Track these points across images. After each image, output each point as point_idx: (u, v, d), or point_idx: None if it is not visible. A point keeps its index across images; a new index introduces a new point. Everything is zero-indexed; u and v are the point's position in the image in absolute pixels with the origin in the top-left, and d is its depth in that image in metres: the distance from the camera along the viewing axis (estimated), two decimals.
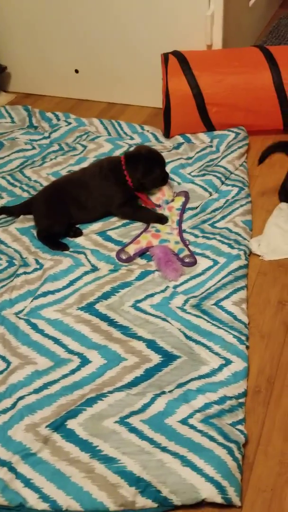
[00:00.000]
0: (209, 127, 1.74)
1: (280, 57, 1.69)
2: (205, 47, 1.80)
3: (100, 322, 1.13)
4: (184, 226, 1.41)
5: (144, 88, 1.95)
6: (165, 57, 1.72)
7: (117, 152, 1.70)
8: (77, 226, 1.41)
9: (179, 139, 1.75)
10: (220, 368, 1.04)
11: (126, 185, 1.39)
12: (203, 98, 1.67)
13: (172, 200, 1.47)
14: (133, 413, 0.94)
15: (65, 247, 1.33)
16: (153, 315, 1.15)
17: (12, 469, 0.88)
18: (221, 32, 1.76)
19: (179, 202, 1.47)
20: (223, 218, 1.42)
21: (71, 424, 0.93)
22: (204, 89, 1.66)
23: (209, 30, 1.75)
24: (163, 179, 1.46)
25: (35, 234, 1.39)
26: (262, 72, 1.67)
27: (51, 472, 0.87)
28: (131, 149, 1.47)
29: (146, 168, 1.38)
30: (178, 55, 1.71)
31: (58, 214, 1.38)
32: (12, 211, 1.46)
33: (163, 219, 1.39)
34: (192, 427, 0.92)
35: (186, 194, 1.50)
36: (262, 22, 2.52)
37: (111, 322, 1.13)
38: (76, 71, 2.04)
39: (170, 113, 1.71)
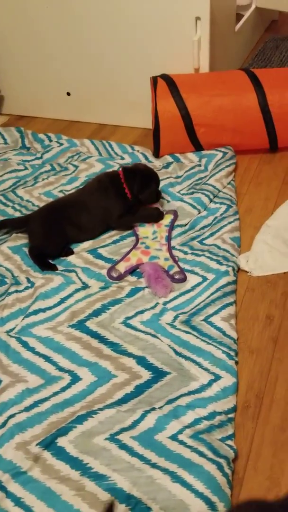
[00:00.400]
0: (198, 147, 1.78)
1: (265, 80, 1.75)
2: (192, 70, 1.85)
3: (90, 339, 1.14)
4: (174, 243, 1.43)
5: (134, 109, 1.99)
6: (154, 80, 1.77)
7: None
8: (69, 246, 1.43)
9: (169, 158, 1.79)
10: (210, 383, 1.05)
11: (125, 197, 1.43)
12: (191, 119, 1.71)
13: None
14: (123, 430, 0.95)
15: (54, 268, 1.35)
16: (143, 331, 1.16)
17: (2, 488, 0.88)
18: (208, 56, 1.81)
19: (167, 219, 1.50)
20: (211, 235, 1.45)
21: (61, 441, 0.94)
22: (192, 110, 1.70)
23: (196, 54, 1.80)
24: (157, 195, 1.50)
25: (27, 252, 1.41)
26: (247, 94, 1.71)
27: (41, 491, 0.87)
28: (128, 165, 1.52)
29: (143, 183, 1.43)
30: (166, 78, 1.76)
31: (54, 236, 1.40)
32: (7, 224, 1.48)
33: (162, 214, 1.49)
34: (181, 442, 0.93)
35: (174, 213, 1.53)
36: (249, 45, 2.59)
37: (102, 339, 1.14)
38: (68, 93, 2.08)
39: (159, 133, 1.75)
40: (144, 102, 1.88)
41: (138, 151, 1.85)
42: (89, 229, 1.45)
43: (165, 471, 0.89)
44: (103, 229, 1.47)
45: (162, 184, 1.63)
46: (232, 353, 1.11)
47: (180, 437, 0.94)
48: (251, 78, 1.75)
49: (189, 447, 0.92)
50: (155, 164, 1.77)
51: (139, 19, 1.80)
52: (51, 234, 1.40)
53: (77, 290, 1.26)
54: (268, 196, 1.64)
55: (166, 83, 1.74)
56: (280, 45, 2.65)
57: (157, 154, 1.80)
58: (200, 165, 1.74)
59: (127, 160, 1.79)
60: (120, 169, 1.48)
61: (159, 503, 0.85)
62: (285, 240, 1.44)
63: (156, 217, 1.47)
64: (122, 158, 1.80)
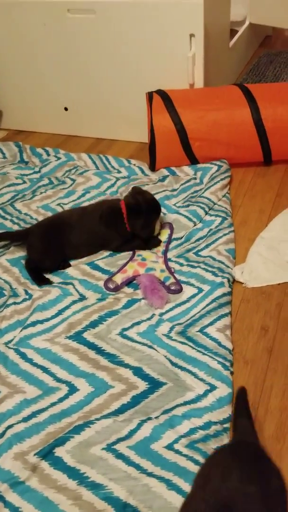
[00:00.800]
0: (193, 160, 1.81)
1: (258, 94, 1.78)
2: (187, 86, 1.89)
3: (87, 351, 1.16)
4: (169, 255, 1.45)
5: (130, 124, 2.03)
6: (150, 96, 1.81)
7: (105, 185, 1.77)
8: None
9: (164, 172, 1.82)
10: (205, 394, 1.06)
11: (125, 230, 1.44)
12: (186, 133, 1.75)
13: (159, 234, 1.52)
14: (120, 440, 0.96)
15: (48, 282, 1.37)
16: (139, 342, 1.18)
17: (0, 497, 0.89)
18: (202, 72, 1.85)
19: (165, 234, 1.52)
20: (207, 246, 1.47)
21: (59, 451, 0.95)
22: (187, 125, 1.74)
23: (191, 70, 1.84)
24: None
25: (24, 264, 1.43)
26: (241, 109, 1.75)
27: (39, 500, 0.88)
28: (131, 193, 1.49)
29: (146, 223, 1.44)
30: (162, 93, 1.80)
31: (52, 252, 1.42)
32: (6, 237, 1.50)
33: (160, 242, 1.48)
34: (177, 451, 0.94)
35: (170, 226, 1.55)
36: (243, 61, 2.65)
37: (99, 350, 1.16)
38: (66, 108, 2.12)
39: (155, 147, 1.78)
40: (140, 116, 1.92)
41: (134, 164, 1.88)
42: (86, 251, 1.46)
43: (161, 479, 0.90)
44: (101, 249, 1.47)
45: (158, 197, 1.66)
46: (228, 364, 1.13)
47: (176, 446, 0.95)
48: (244, 93, 1.79)
49: (185, 455, 0.93)
50: (151, 177, 1.80)
51: (134, 36, 1.85)
52: (49, 250, 1.42)
53: (74, 302, 1.28)
54: (262, 208, 1.67)
55: (162, 99, 1.78)
56: (274, 60, 2.71)
57: (153, 167, 1.84)
58: (195, 178, 1.77)
59: (124, 173, 1.83)
60: (122, 201, 1.46)
61: (155, 511, 0.86)
62: (279, 252, 1.47)
63: (154, 246, 1.48)
64: (119, 172, 1.84)
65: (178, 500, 0.87)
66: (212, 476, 0.76)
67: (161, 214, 1.60)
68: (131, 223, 1.43)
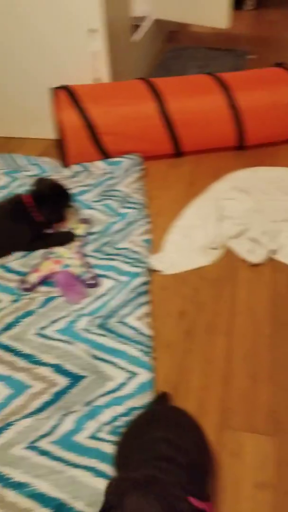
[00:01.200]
0: (105, 155, 1.82)
1: (164, 88, 1.83)
2: (93, 81, 1.90)
3: (3, 354, 1.13)
4: (86, 249, 1.46)
5: (39, 121, 2.00)
6: (55, 92, 1.80)
7: (15, 185, 1.73)
8: None
9: (77, 168, 1.81)
10: (126, 381, 1.08)
11: (35, 223, 1.42)
12: (95, 128, 1.75)
13: (73, 229, 1.51)
14: (42, 437, 0.96)
15: None
16: (58, 340, 1.17)
17: None
18: (107, 67, 1.87)
19: (81, 229, 1.52)
20: (123, 239, 1.49)
21: None
22: (95, 119, 1.74)
23: (95, 65, 1.85)
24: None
25: None
26: (147, 103, 1.79)
27: None
28: (33, 184, 1.48)
29: (53, 207, 1.43)
30: (67, 89, 1.79)
31: None
32: None
33: (73, 235, 1.47)
34: (100, 439, 0.95)
35: (87, 221, 1.55)
36: (149, 56, 2.70)
37: (15, 352, 1.14)
38: None
39: (65, 144, 1.77)
40: (49, 113, 1.89)
41: (46, 162, 1.85)
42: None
43: (86, 468, 0.91)
44: (14, 250, 1.44)
45: (72, 192, 1.65)
46: (148, 350, 1.16)
47: (99, 434, 0.96)
48: (150, 87, 1.83)
49: (108, 441, 0.95)
50: (64, 174, 1.79)
51: (34, 31, 1.82)
52: None
53: None
54: (176, 198, 1.72)
55: (68, 94, 1.77)
56: (180, 55, 2.79)
57: (65, 164, 1.82)
58: (108, 173, 1.78)
59: (35, 171, 1.80)
60: (26, 193, 1.44)
61: (84, 500, 0.86)
62: (192, 238, 1.52)
63: (68, 240, 1.47)
64: (29, 170, 1.80)
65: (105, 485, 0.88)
66: (133, 446, 0.78)
67: (77, 208, 1.60)
68: (39, 210, 1.41)
